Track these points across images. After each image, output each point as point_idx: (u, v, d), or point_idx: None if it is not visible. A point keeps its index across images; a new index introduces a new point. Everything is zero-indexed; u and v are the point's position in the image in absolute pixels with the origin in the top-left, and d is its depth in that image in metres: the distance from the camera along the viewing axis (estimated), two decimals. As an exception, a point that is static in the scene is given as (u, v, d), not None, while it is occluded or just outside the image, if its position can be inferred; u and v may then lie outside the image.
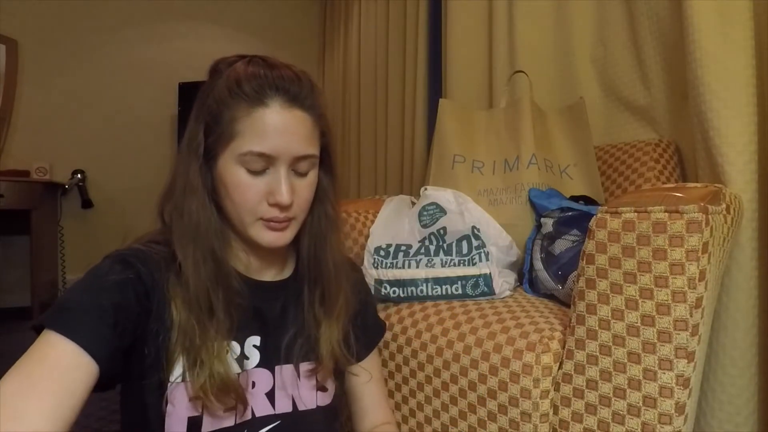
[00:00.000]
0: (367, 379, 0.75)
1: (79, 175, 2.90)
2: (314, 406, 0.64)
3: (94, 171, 2.96)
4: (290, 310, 0.66)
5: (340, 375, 0.70)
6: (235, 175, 0.56)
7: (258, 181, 0.57)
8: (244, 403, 0.58)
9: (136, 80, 3.07)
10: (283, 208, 0.58)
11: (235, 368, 0.59)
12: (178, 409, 0.55)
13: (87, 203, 2.92)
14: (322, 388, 0.66)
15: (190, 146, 0.59)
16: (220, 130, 0.57)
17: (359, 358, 0.74)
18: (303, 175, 0.60)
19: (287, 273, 0.69)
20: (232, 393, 0.56)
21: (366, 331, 0.76)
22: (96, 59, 2.99)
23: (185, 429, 0.55)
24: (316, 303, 0.66)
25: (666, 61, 1.23)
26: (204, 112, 0.58)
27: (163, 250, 0.58)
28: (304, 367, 0.65)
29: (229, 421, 0.58)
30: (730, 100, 0.90)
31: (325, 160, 0.64)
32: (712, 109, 0.91)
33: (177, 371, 0.55)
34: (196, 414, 0.56)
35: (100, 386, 0.51)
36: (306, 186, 0.60)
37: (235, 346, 0.60)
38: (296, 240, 0.65)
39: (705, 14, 0.94)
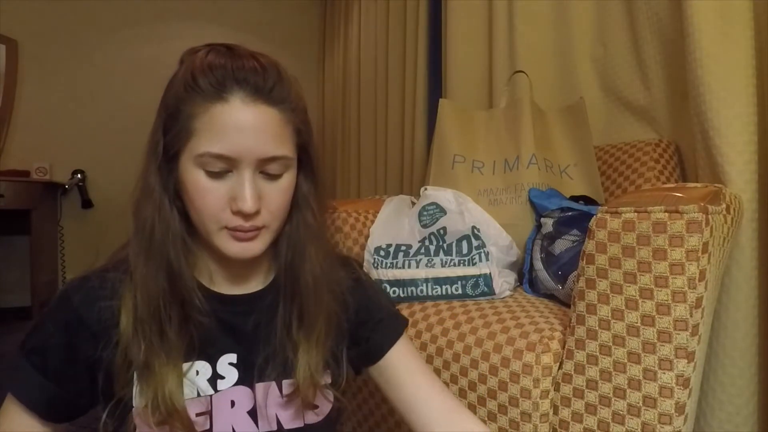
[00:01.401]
0: (400, 379, 0.64)
1: (79, 175, 2.90)
2: (302, 425, 0.59)
3: (94, 171, 2.96)
4: (262, 326, 0.59)
5: (332, 388, 0.62)
6: (194, 177, 0.50)
7: (219, 185, 0.50)
8: (191, 430, 0.53)
9: (136, 80, 3.06)
10: (247, 216, 0.51)
11: (207, 390, 0.55)
12: None
13: (87, 203, 2.92)
14: (311, 406, 0.59)
15: (149, 144, 0.53)
16: (177, 128, 0.50)
17: (378, 356, 0.65)
18: (274, 178, 0.53)
19: (264, 284, 0.62)
20: (177, 423, 0.51)
21: (381, 326, 0.66)
22: (96, 59, 2.99)
23: None
24: (294, 322, 0.59)
25: (666, 61, 1.23)
26: (162, 107, 0.53)
27: (121, 267, 0.55)
28: (287, 384, 0.59)
29: None
30: (730, 100, 0.90)
31: (305, 161, 0.57)
32: (712, 109, 0.91)
33: (137, 395, 0.52)
34: None
35: (80, 412, 0.56)
36: (278, 191, 0.53)
37: (205, 366, 0.56)
38: (276, 251, 0.59)
39: (705, 14, 0.94)
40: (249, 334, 0.59)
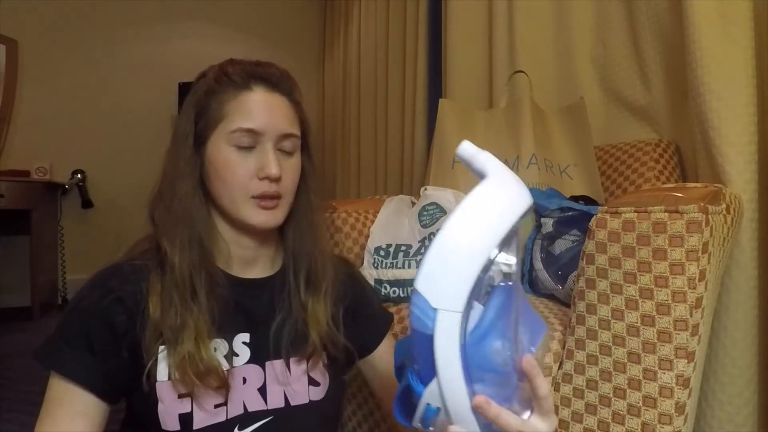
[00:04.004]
0: (388, 370, 0.71)
1: (79, 175, 2.90)
2: (307, 401, 0.64)
3: (94, 171, 2.96)
4: (276, 301, 0.66)
5: (333, 368, 0.68)
6: (225, 154, 0.60)
7: (247, 158, 0.60)
8: (226, 386, 0.58)
9: (136, 80, 3.07)
10: (272, 181, 0.60)
11: (224, 365, 0.60)
12: (168, 406, 0.57)
13: (87, 203, 2.93)
14: (314, 382, 0.65)
15: (177, 139, 0.62)
16: (208, 116, 0.61)
17: (370, 349, 0.74)
18: (288, 154, 0.63)
19: (273, 270, 0.69)
20: (213, 374, 0.57)
21: (374, 320, 0.76)
22: (96, 59, 2.99)
23: (177, 425, 0.56)
24: (302, 287, 0.67)
25: (666, 61, 1.23)
26: (192, 105, 0.63)
27: (148, 254, 0.61)
28: (295, 360, 0.65)
29: (221, 417, 0.59)
30: (730, 100, 0.90)
31: (306, 147, 0.68)
32: (712, 109, 0.91)
33: (162, 369, 0.57)
34: (186, 411, 0.57)
35: (125, 391, 0.59)
36: (291, 166, 0.64)
37: (223, 344, 0.61)
38: (283, 234, 0.68)
39: (705, 14, 0.94)
40: (261, 315, 0.65)
